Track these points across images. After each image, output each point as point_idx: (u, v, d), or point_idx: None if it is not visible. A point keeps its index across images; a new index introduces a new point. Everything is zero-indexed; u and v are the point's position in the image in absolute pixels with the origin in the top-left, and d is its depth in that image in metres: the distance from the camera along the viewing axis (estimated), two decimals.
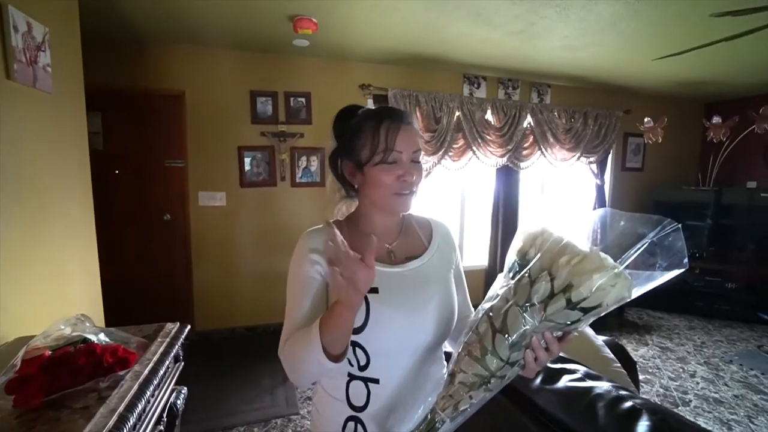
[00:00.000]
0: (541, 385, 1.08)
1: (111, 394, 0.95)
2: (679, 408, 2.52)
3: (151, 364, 1.12)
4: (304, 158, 3.50)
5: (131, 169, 3.14)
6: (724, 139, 4.17)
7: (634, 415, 0.90)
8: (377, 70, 3.59)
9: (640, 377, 2.79)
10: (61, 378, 0.93)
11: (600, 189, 4.50)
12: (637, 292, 0.59)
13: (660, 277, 0.60)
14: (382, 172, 0.76)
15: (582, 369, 1.14)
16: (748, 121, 3.91)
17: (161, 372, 1.13)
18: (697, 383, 2.83)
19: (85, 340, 1.03)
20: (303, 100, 3.44)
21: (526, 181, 4.34)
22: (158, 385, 1.11)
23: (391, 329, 0.76)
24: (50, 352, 0.96)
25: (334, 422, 0.81)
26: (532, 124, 4.05)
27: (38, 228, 1.53)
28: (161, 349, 1.21)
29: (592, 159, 4.35)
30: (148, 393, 1.03)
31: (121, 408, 0.91)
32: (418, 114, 3.63)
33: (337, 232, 0.62)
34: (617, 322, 3.93)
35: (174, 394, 1.33)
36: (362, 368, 0.77)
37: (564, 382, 1.07)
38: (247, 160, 3.36)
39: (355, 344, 0.75)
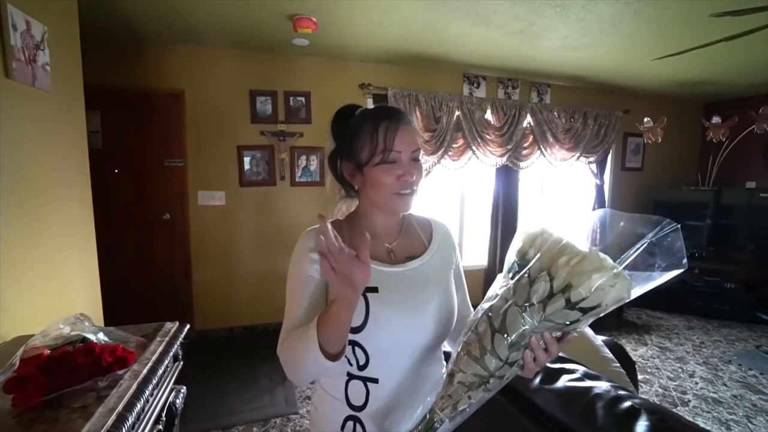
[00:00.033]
0: (540, 385, 1.08)
1: (110, 393, 0.95)
2: (678, 408, 2.53)
3: (150, 364, 1.11)
4: (303, 158, 3.50)
5: (131, 169, 3.14)
6: (724, 139, 4.17)
7: (633, 415, 0.90)
8: (377, 69, 3.59)
9: (639, 377, 2.79)
10: (60, 377, 0.92)
11: (599, 189, 4.50)
12: (636, 293, 0.59)
13: (659, 278, 0.60)
14: (382, 173, 0.76)
15: (581, 369, 1.14)
16: (748, 121, 3.91)
17: (160, 371, 1.13)
18: (696, 383, 2.83)
19: (84, 340, 1.03)
20: (302, 99, 3.43)
21: (526, 181, 4.34)
22: (157, 384, 1.11)
23: (391, 329, 0.76)
24: (49, 352, 0.96)
25: (333, 422, 0.81)
26: (531, 123, 4.05)
27: (37, 227, 1.53)
28: (160, 349, 1.21)
29: (591, 159, 4.35)
30: (147, 392, 1.03)
31: (120, 407, 0.91)
32: (417, 113, 3.63)
33: (330, 226, 0.61)
34: (616, 322, 3.93)
35: (173, 394, 1.33)
36: (361, 368, 0.77)
37: (563, 381, 1.07)
38: (246, 160, 3.36)
39: (354, 344, 0.75)
